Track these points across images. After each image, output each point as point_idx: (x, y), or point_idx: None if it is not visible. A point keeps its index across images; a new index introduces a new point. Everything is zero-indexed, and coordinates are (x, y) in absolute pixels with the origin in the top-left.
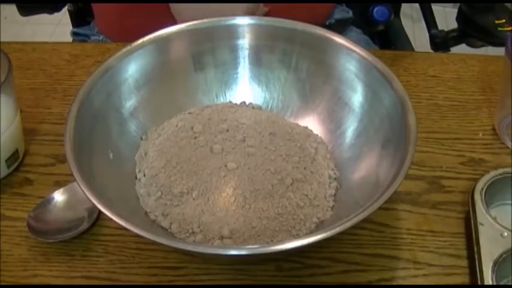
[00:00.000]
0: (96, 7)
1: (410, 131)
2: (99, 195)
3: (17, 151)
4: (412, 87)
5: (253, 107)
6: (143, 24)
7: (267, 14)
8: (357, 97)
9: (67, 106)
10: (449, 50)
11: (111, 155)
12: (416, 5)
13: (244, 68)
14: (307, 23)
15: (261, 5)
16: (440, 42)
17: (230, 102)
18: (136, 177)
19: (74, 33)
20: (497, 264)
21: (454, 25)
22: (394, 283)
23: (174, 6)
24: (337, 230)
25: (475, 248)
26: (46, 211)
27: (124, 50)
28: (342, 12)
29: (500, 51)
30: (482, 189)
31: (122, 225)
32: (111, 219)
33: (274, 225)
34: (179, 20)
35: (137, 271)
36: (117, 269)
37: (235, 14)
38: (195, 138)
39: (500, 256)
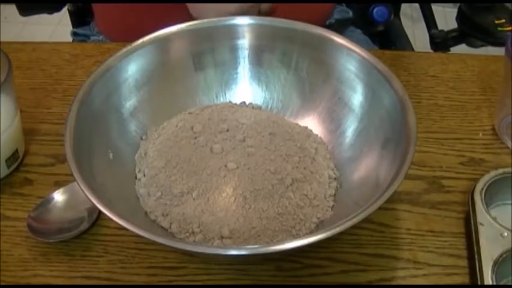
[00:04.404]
0: (96, 7)
1: (410, 131)
2: (99, 195)
3: (17, 151)
4: (412, 87)
5: (253, 107)
6: (143, 24)
7: (270, 13)
8: (356, 97)
9: (67, 106)
10: (449, 50)
11: (111, 155)
12: (416, 5)
13: (244, 68)
14: (307, 23)
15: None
16: (440, 42)
17: (230, 102)
18: (136, 177)
19: (74, 33)
20: (497, 264)
21: (454, 25)
22: (394, 283)
23: (192, 6)
24: (337, 230)
25: (475, 248)
26: (46, 211)
27: (124, 50)
28: (342, 12)
29: (500, 51)
30: (482, 189)
31: (122, 225)
32: (111, 219)
33: (274, 225)
34: (196, 18)
35: (137, 271)
36: (117, 269)
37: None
38: (195, 138)
39: (500, 256)
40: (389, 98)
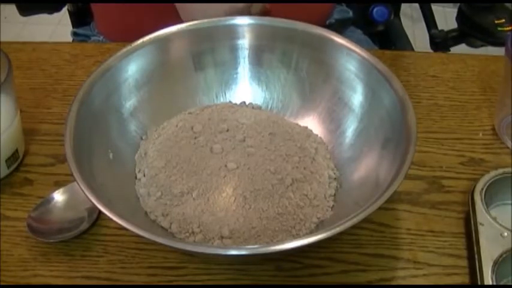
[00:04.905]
0: (95, 8)
1: (410, 131)
2: (99, 195)
3: (17, 151)
4: (412, 87)
5: (253, 107)
6: (143, 24)
7: (267, 14)
8: (356, 97)
9: (67, 106)
10: (449, 50)
11: (111, 155)
12: (416, 5)
13: (244, 68)
14: (307, 23)
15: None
16: (440, 42)
17: (230, 102)
18: (136, 177)
19: (74, 34)
20: (497, 264)
21: (454, 25)
22: (394, 283)
23: (180, 7)
24: (337, 230)
25: (475, 248)
26: (46, 211)
27: (124, 50)
28: (342, 12)
29: (500, 51)
30: (482, 189)
31: (122, 225)
32: (111, 219)
33: (274, 225)
34: (186, 20)
35: (137, 271)
36: (117, 269)
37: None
38: (195, 138)
39: (500, 256)
40: (389, 98)
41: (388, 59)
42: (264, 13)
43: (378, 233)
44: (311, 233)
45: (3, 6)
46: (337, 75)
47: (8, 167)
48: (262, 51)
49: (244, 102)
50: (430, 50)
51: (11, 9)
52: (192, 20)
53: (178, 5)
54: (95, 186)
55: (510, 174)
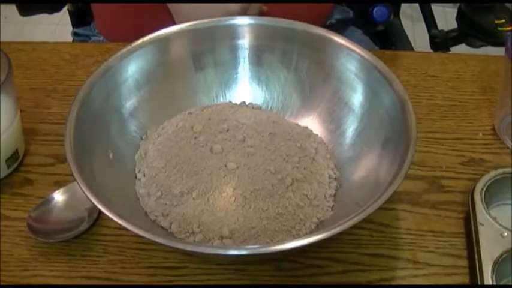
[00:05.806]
0: (95, 8)
1: (410, 131)
2: (99, 195)
3: (17, 151)
4: (412, 87)
5: (253, 107)
6: (143, 25)
7: (266, 14)
8: (357, 97)
9: (67, 106)
10: (449, 50)
11: (111, 155)
12: (416, 5)
13: (244, 68)
14: (307, 23)
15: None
16: (440, 42)
17: (230, 102)
18: (136, 177)
19: (74, 34)
20: (497, 264)
21: (454, 25)
22: (394, 283)
23: (172, 7)
24: (337, 230)
25: (475, 248)
26: (46, 211)
27: (124, 50)
28: (342, 12)
29: (500, 51)
30: (482, 189)
31: (122, 225)
32: (111, 219)
33: (274, 225)
34: (178, 21)
35: (137, 271)
36: (117, 269)
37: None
38: (195, 138)
39: (500, 256)
40: (389, 98)
41: (388, 59)
42: (261, 15)
43: (378, 233)
44: (311, 233)
45: (3, 6)
46: (337, 75)
47: (8, 167)
48: (262, 51)
49: (244, 102)
50: (430, 50)
51: (11, 9)
52: (185, 22)
53: (170, 6)
54: (94, 186)
55: (510, 174)
